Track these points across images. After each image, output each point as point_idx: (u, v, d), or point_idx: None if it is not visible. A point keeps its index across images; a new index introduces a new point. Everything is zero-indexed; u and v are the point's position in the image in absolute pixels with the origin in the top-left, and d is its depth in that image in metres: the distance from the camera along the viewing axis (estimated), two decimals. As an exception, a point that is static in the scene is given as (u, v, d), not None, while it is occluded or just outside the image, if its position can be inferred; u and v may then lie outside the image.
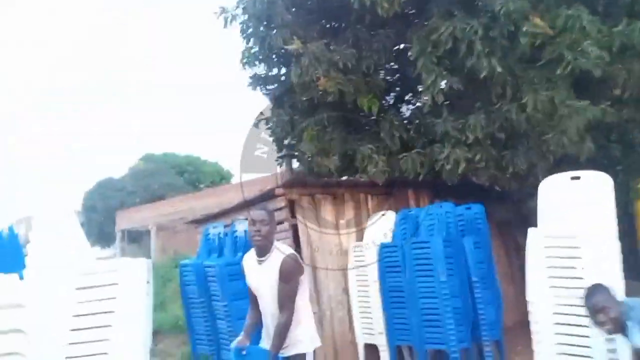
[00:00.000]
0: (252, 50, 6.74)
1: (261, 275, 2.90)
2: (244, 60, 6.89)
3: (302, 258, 5.38)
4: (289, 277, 2.78)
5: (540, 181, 6.07)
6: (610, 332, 2.57)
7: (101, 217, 21.41)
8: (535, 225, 6.83)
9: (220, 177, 25.10)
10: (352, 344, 5.38)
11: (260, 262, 2.92)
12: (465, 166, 5.65)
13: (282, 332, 2.78)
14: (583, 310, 2.72)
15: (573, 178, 3.18)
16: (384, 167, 6.02)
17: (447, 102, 5.62)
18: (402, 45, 5.79)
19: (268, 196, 5.69)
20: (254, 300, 3.03)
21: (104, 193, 22.19)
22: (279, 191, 5.45)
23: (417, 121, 6.05)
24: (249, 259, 3.03)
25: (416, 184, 6.38)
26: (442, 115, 5.67)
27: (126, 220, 19.43)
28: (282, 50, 6.32)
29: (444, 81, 5.28)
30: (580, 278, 2.81)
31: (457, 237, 4.92)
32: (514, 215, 6.96)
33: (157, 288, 10.77)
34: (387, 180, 6.01)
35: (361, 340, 5.32)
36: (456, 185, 6.03)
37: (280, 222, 5.56)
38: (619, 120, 5.31)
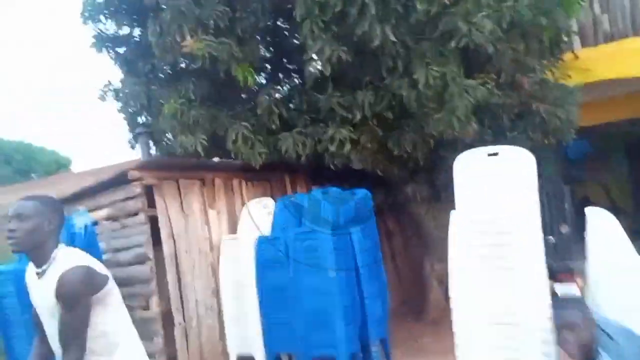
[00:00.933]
0: (96, 1, 5.45)
1: (41, 293, 1.97)
2: (85, 14, 5.54)
3: (163, 256, 4.44)
4: (70, 302, 1.87)
5: (419, 165, 5.97)
6: (573, 356, 2.11)
7: None
8: (409, 213, 6.81)
9: (57, 166, 21.89)
10: (223, 355, 4.54)
11: (38, 274, 1.99)
12: (351, 148, 5.15)
13: None
14: (516, 307, 2.30)
15: (490, 154, 2.77)
16: (261, 149, 5.26)
17: (333, 76, 5.03)
18: (284, 7, 5.03)
19: (118, 181, 4.55)
20: (39, 327, 2.09)
21: None
22: (132, 174, 4.35)
23: (299, 97, 5.37)
24: (30, 269, 2.07)
25: (293, 168, 5.73)
26: (327, 90, 5.08)
27: None
28: (136, 2, 5.15)
29: (331, 50, 4.65)
30: (511, 268, 2.38)
31: (344, 226, 4.36)
32: (387, 201, 6.72)
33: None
34: (264, 164, 5.26)
35: (234, 350, 4.51)
36: (333, 170, 5.52)
37: (135, 214, 4.48)
38: (496, 103, 5.21)
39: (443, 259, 6.09)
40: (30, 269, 2.05)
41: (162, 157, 5.64)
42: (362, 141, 5.23)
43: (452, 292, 2.58)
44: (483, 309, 2.47)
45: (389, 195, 6.65)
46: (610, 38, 7.37)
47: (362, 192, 4.76)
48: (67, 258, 1.94)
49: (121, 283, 4.40)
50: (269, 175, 5.63)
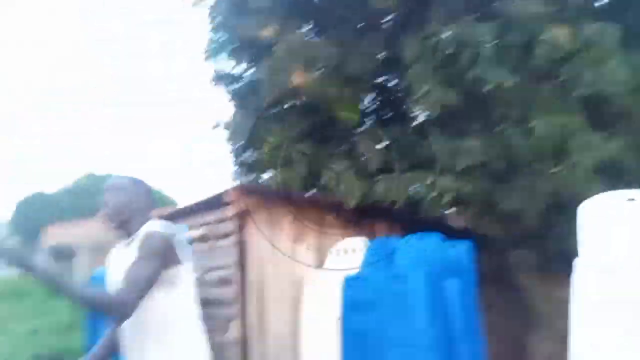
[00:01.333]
0: (220, 40, 5.87)
1: (124, 259, 1.88)
2: (209, 51, 5.98)
3: (246, 282, 4.34)
4: (148, 252, 1.79)
5: (528, 228, 5.41)
6: None
7: (29, 233, 19.47)
8: (513, 283, 6.12)
9: (162, 204, 23.52)
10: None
11: (126, 246, 1.96)
12: (452, 199, 4.83)
13: (99, 300, 1.77)
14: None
15: (630, 199, 2.37)
16: (356, 190, 5.12)
17: (439, 121, 4.85)
18: (393, 50, 5.03)
19: (213, 204, 4.63)
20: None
21: (36, 207, 20.33)
22: (229, 197, 4.40)
23: (401, 141, 5.22)
24: (115, 248, 2.06)
25: (388, 214, 5.47)
26: (431, 135, 4.89)
27: (55, 236, 17.46)
28: (254, 41, 5.46)
29: (439, 94, 4.50)
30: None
31: (442, 277, 3.98)
32: (487, 267, 6.10)
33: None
34: (357, 207, 5.10)
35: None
36: (429, 226, 5.17)
37: (226, 236, 4.49)
38: (627, 165, 4.61)
39: (551, 338, 5.37)
40: (116, 248, 2.02)
41: (257, 184, 5.71)
42: (466, 193, 4.88)
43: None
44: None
45: (490, 260, 6.06)
46: None
47: (464, 243, 4.38)
48: (157, 224, 1.93)
49: (205, 303, 4.38)
50: (361, 218, 5.43)
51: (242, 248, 4.31)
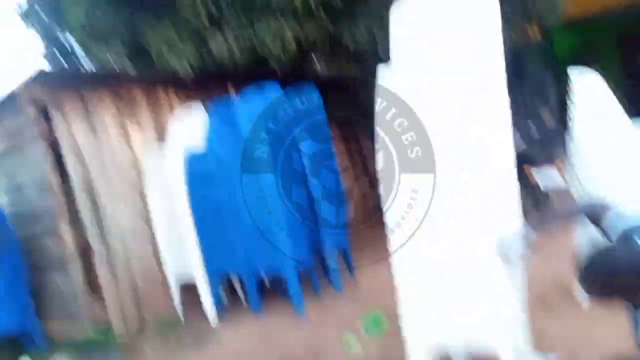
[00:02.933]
0: None
1: None
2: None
3: (69, 186, 3.63)
4: None
5: (382, 60, 5.11)
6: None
7: None
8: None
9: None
10: (161, 286, 3.94)
11: None
12: (297, 45, 4.35)
13: None
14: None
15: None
16: (190, 56, 4.45)
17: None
18: None
19: (8, 106, 3.72)
20: None
21: None
22: (22, 94, 3.53)
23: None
24: None
25: (235, 74, 4.91)
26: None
27: None
28: None
29: None
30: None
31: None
32: (353, 109, 5.88)
33: None
34: (198, 73, 4.48)
35: (173, 279, 3.91)
36: (285, 76, 4.72)
37: (34, 141, 3.69)
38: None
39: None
40: None
41: (58, 70, 4.78)
42: (310, 38, 4.39)
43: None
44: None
45: (355, 102, 5.82)
46: None
47: (306, 88, 4.02)
48: None
49: (29, 220, 3.76)
50: (208, 86, 4.83)
51: (55, 149, 3.60)
